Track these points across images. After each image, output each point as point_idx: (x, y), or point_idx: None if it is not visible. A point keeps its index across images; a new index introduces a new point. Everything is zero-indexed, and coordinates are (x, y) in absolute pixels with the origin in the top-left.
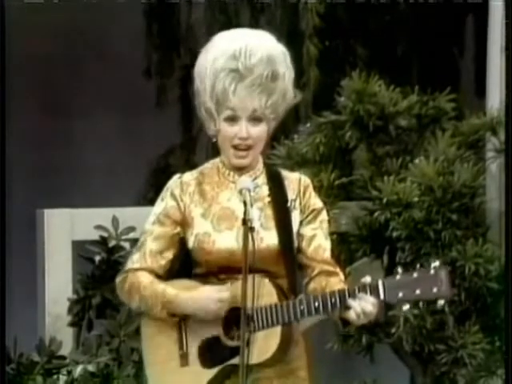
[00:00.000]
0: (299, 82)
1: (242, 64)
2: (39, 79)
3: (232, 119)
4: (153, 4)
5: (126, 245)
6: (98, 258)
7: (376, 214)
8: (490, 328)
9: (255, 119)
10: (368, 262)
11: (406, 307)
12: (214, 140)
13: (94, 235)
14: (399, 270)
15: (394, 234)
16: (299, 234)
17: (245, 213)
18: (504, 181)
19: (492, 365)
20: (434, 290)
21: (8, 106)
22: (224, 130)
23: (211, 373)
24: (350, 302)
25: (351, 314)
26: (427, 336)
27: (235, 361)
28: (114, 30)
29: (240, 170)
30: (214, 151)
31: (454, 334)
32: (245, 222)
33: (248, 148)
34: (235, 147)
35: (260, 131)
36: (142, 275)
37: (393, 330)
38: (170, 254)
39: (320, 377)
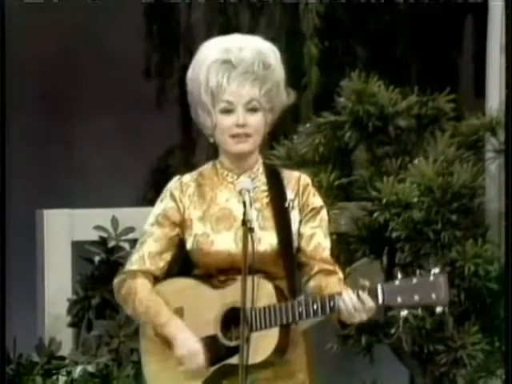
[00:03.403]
0: (300, 82)
1: (233, 55)
2: (39, 79)
3: (228, 110)
4: (153, 4)
5: (126, 245)
6: (97, 259)
7: (375, 214)
8: (489, 328)
9: (251, 109)
10: (367, 263)
11: (404, 313)
12: (212, 140)
13: (94, 236)
14: (398, 274)
15: (394, 235)
16: (299, 233)
17: (244, 213)
18: (503, 181)
19: (491, 365)
20: (433, 296)
21: (8, 106)
22: (221, 122)
23: (208, 372)
24: (344, 297)
25: (343, 313)
26: (427, 336)
27: (232, 360)
28: (114, 30)
29: (239, 167)
30: (214, 152)
31: (453, 334)
32: (244, 222)
33: (246, 136)
34: (233, 136)
35: (257, 120)
36: (139, 283)
37: (392, 331)
38: (168, 256)
39: (319, 377)
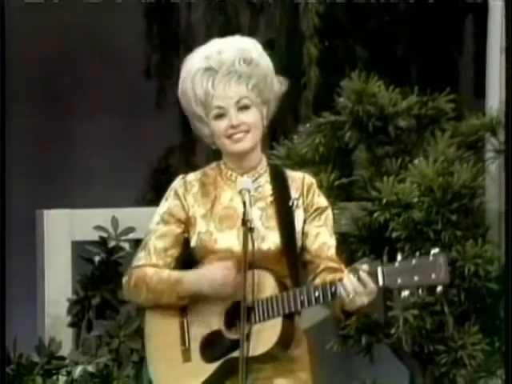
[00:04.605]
0: (299, 82)
1: (213, 61)
2: (39, 79)
3: (221, 115)
4: (153, 4)
5: (126, 245)
6: (97, 259)
7: (376, 214)
8: (489, 329)
9: (243, 107)
10: (368, 263)
11: (406, 293)
12: (214, 147)
13: (94, 236)
14: (398, 256)
15: (394, 235)
16: (303, 233)
17: (244, 213)
18: (503, 181)
19: (492, 365)
20: (433, 275)
21: (8, 106)
22: (216, 127)
23: (213, 367)
24: (344, 281)
25: (345, 298)
26: (427, 336)
27: (237, 353)
28: (114, 31)
29: (242, 167)
30: (215, 152)
31: (453, 334)
32: (244, 222)
33: (244, 133)
34: (229, 137)
35: (251, 117)
36: (146, 269)
37: (392, 331)
38: (174, 252)
39: (320, 377)
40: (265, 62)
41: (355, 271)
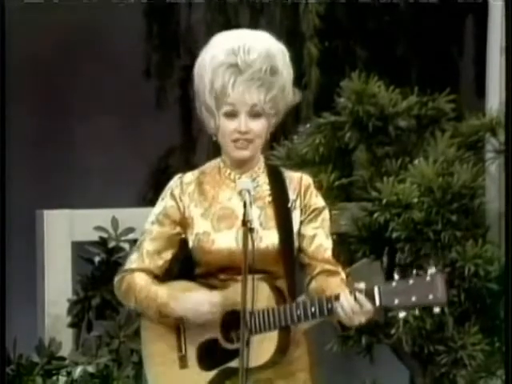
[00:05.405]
0: (300, 82)
1: (240, 59)
2: (39, 79)
3: (231, 114)
4: (153, 4)
5: (126, 246)
6: (97, 259)
7: (376, 214)
8: (489, 329)
9: (255, 114)
10: (368, 263)
11: (403, 314)
12: (214, 138)
13: (94, 236)
14: (395, 276)
15: (394, 235)
16: (300, 234)
17: (244, 214)
18: (504, 181)
19: (492, 366)
20: (430, 296)
21: (8, 106)
22: (224, 125)
23: (210, 375)
24: (341, 300)
25: (341, 315)
26: (427, 337)
27: (233, 363)
28: (114, 31)
29: (240, 168)
30: (215, 151)
31: (453, 334)
32: (244, 223)
33: (248, 142)
34: (235, 141)
35: (260, 126)
36: (138, 276)
37: (392, 331)
38: (168, 255)
39: (320, 377)
40: (287, 72)
41: (352, 291)
